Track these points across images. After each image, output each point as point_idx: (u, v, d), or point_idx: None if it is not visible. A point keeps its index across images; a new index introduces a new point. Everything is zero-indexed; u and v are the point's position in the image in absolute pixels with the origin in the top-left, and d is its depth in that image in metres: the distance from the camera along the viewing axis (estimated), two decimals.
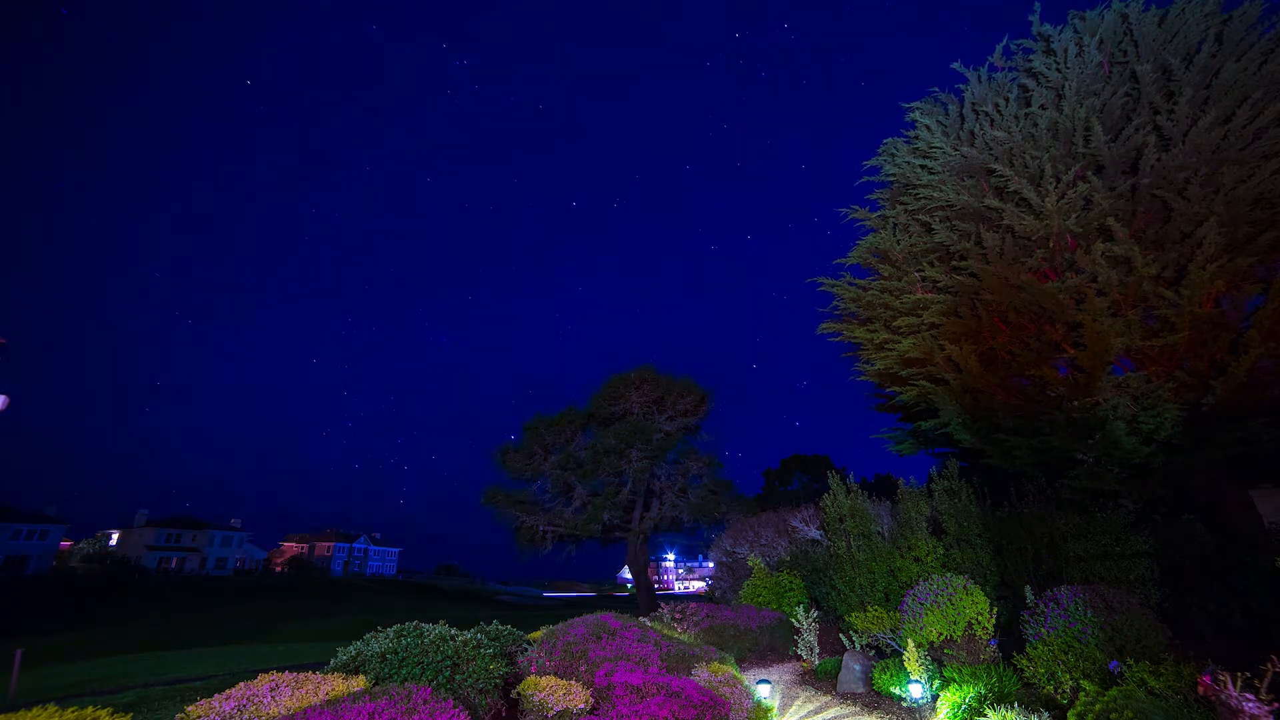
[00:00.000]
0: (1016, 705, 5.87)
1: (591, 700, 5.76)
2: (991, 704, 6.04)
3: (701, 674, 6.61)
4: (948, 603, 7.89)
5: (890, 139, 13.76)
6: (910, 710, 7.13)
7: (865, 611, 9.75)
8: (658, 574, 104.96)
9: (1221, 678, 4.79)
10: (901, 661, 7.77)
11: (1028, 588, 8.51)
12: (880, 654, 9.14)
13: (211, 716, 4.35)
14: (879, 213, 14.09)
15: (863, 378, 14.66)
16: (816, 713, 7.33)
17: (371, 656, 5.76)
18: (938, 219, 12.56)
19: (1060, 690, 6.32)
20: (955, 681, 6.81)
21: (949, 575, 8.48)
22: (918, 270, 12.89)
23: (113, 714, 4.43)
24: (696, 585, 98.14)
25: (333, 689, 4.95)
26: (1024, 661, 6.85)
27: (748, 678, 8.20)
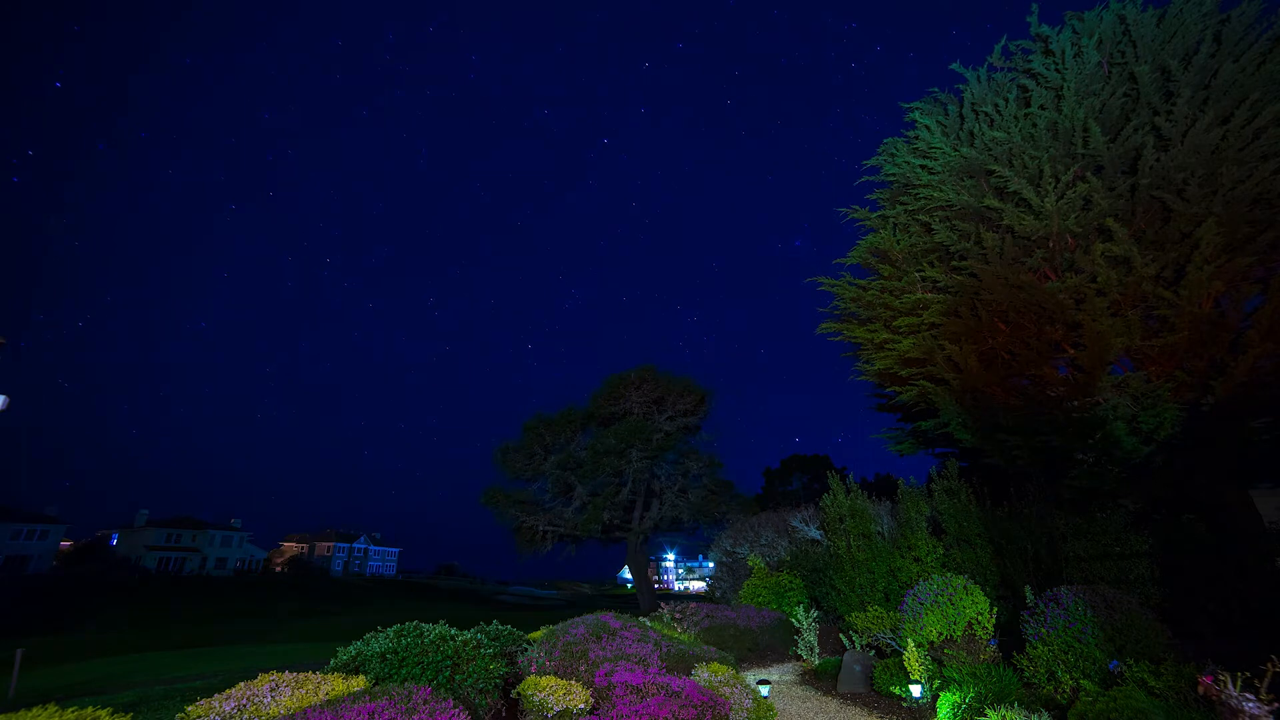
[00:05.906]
0: (1016, 705, 5.87)
1: (591, 700, 5.76)
2: (991, 704, 6.04)
3: (701, 674, 6.60)
4: (948, 603, 7.88)
5: (890, 139, 13.75)
6: (911, 710, 7.14)
7: (865, 611, 9.74)
8: (658, 574, 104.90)
9: (1222, 678, 4.79)
10: (902, 661, 7.77)
11: (1028, 588, 8.50)
12: (880, 654, 9.14)
13: (211, 716, 4.35)
14: (879, 213, 14.09)
15: (863, 378, 14.66)
16: (817, 713, 7.33)
17: (371, 656, 5.76)
18: (938, 219, 12.56)
19: (1060, 690, 6.32)
20: (955, 681, 6.81)
21: (949, 575, 8.47)
22: (918, 270, 12.89)
23: (113, 714, 4.42)
24: (696, 585, 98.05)
25: (333, 689, 4.94)
26: (1024, 661, 6.85)
27: (748, 677, 8.20)
